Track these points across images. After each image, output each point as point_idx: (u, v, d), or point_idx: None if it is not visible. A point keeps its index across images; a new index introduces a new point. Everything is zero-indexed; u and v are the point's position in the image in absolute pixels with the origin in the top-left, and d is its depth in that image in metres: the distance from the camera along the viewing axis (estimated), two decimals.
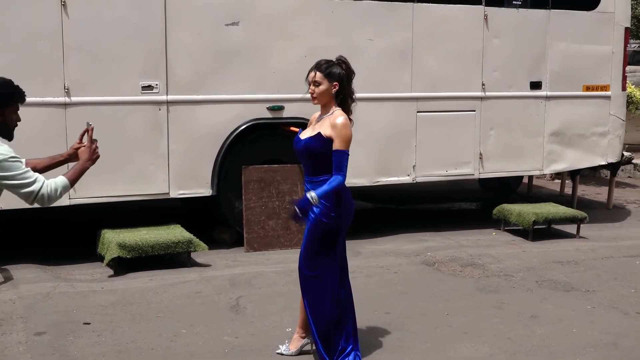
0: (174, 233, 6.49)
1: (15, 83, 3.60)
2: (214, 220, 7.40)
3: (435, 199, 9.97)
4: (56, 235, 7.56)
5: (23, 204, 3.73)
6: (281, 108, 7.04)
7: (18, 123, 3.61)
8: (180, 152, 6.74)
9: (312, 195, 4.08)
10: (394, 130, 7.55)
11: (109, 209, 7.54)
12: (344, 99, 4.24)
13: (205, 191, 6.89)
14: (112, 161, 6.29)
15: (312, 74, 4.21)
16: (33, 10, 6.14)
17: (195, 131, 6.78)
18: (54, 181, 3.54)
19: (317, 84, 4.19)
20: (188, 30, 6.67)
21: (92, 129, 3.82)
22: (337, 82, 4.19)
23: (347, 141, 4.12)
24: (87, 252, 6.61)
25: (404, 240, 7.58)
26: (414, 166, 7.67)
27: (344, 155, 4.11)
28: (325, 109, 4.25)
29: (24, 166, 3.49)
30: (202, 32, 6.72)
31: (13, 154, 3.44)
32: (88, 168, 3.74)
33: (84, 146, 3.79)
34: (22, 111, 3.66)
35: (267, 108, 7.01)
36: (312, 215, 4.21)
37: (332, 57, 4.34)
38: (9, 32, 6.09)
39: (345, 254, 4.46)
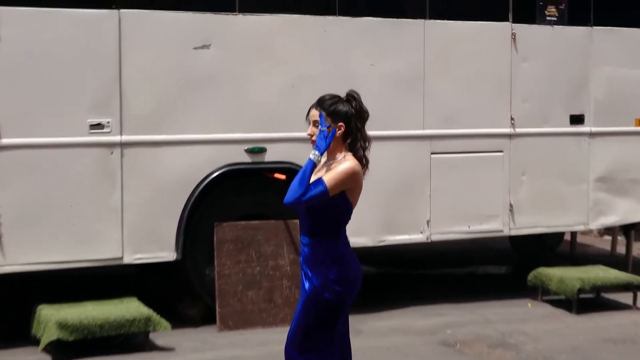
0: (129, 308, 6.46)
1: None
2: (179, 291, 7.35)
3: (455, 261, 9.95)
4: None
5: None
6: (262, 150, 7.06)
7: None
8: (138, 206, 6.74)
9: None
10: (402, 176, 7.56)
11: (48, 279, 7.44)
12: (352, 142, 4.17)
13: (169, 255, 6.88)
14: (52, 218, 6.38)
15: (314, 111, 4.15)
16: None
17: (156, 179, 6.80)
18: None
19: (318, 124, 4.13)
20: (148, 54, 6.72)
21: None
22: (344, 122, 4.13)
23: (336, 181, 4.03)
24: (19, 334, 6.50)
25: (416, 314, 7.58)
26: (428, 221, 7.69)
27: (320, 184, 4.02)
28: (332, 155, 4.19)
29: None
30: (165, 57, 6.78)
31: None
32: None
33: None
34: None
35: (246, 150, 7.04)
36: (309, 287, 4.14)
37: (325, 86, 4.25)
38: None
39: (347, 335, 4.35)
